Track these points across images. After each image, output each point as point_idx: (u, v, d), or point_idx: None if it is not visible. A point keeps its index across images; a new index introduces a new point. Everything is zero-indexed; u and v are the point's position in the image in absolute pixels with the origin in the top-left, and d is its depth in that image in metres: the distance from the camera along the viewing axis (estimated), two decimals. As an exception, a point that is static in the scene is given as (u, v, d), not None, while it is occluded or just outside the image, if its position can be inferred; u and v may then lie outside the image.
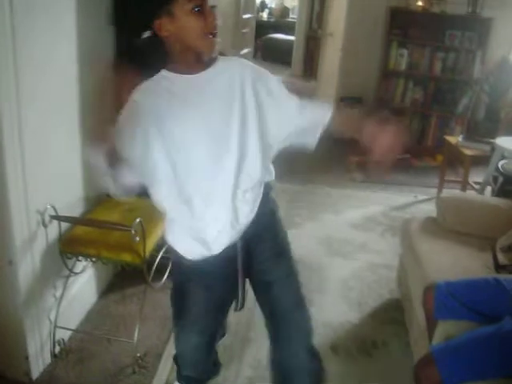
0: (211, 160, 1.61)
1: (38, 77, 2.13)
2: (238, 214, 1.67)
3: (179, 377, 2.14)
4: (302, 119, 1.69)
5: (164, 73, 1.61)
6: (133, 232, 2.20)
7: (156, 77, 1.61)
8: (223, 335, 2.49)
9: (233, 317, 2.85)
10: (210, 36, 1.55)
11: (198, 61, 1.61)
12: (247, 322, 2.88)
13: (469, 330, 1.96)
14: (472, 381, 1.75)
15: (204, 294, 1.83)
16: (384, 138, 1.50)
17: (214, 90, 1.60)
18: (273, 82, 1.67)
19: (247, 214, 1.70)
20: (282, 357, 1.90)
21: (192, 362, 2.04)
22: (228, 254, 1.72)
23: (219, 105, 1.60)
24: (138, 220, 2.24)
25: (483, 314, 2.03)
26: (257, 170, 1.68)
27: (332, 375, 2.52)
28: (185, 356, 2.03)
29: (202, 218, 1.66)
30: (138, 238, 2.25)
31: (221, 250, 1.70)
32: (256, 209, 1.72)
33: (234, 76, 1.63)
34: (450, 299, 2.11)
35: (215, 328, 2.00)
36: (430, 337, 2.20)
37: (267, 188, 1.79)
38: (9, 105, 1.93)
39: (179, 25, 1.52)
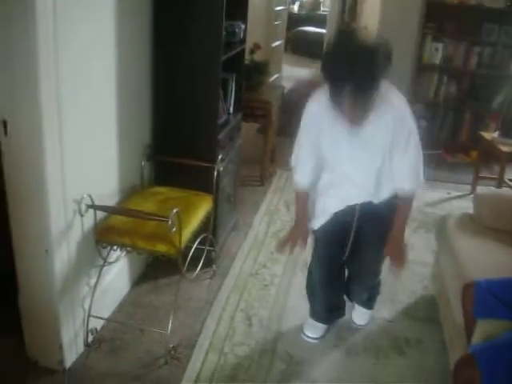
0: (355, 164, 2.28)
1: (77, 69, 2.12)
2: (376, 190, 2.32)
3: (312, 313, 2.77)
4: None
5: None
6: (169, 223, 2.19)
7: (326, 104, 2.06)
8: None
9: (264, 311, 2.87)
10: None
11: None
12: (279, 315, 2.86)
13: (510, 330, 1.91)
14: (514, 383, 1.70)
15: (331, 236, 2.51)
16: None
17: (367, 142, 2.16)
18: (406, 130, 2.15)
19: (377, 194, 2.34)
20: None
21: (322, 298, 2.71)
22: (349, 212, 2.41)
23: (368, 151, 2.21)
24: (174, 210, 2.22)
25: (526, 314, 1.98)
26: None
27: (363, 372, 2.51)
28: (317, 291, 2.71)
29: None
30: (174, 229, 2.23)
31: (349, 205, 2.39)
32: (383, 197, 2.35)
33: (387, 130, 2.11)
34: (490, 298, 2.05)
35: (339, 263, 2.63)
36: (469, 336, 2.15)
37: (394, 196, 2.36)
38: (49, 97, 1.92)
39: None
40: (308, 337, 2.71)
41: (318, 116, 2.21)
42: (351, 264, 2.66)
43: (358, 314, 2.86)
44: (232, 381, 2.40)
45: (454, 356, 2.46)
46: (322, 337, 2.73)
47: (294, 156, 2.41)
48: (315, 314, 2.75)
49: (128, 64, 2.56)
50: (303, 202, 2.49)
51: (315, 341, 2.71)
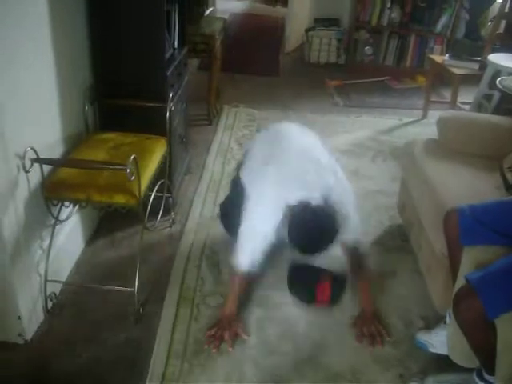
0: None
1: (7, 12, 1.82)
2: None
3: None
4: None
5: None
6: (128, 171, 1.96)
7: None
8: None
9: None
10: None
11: None
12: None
13: (501, 255, 1.83)
14: (516, 309, 1.63)
15: None
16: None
17: None
18: None
19: None
20: None
21: None
22: None
23: None
24: (132, 157, 1.99)
25: (514, 237, 1.90)
26: None
27: (346, 309, 2.41)
28: None
29: None
30: (133, 177, 2.01)
31: None
32: None
33: None
34: (476, 223, 1.96)
35: None
36: (453, 264, 2.07)
37: None
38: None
39: None
40: None
41: None
42: None
43: None
44: (209, 333, 2.26)
45: (433, 284, 2.40)
46: None
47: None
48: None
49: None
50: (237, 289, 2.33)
51: None
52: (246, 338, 2.23)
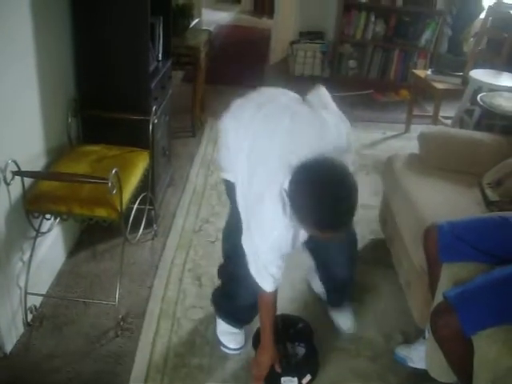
0: None
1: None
2: None
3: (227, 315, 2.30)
4: None
5: None
6: (109, 184, 1.96)
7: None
8: None
9: (213, 269, 2.72)
10: None
11: None
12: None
13: (479, 272, 1.85)
14: (493, 326, 1.65)
15: None
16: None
17: None
18: None
19: None
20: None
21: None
22: None
23: None
24: (114, 170, 1.99)
25: (493, 254, 1.92)
26: None
27: (325, 323, 2.42)
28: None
29: None
30: (114, 191, 2.01)
31: None
32: None
33: None
34: (455, 240, 1.98)
35: None
36: (432, 280, 2.09)
37: None
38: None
39: None
40: (233, 349, 2.26)
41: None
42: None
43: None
44: (191, 347, 2.25)
45: (413, 299, 2.42)
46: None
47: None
48: (234, 315, 2.28)
49: (44, 9, 2.24)
50: (273, 314, 1.98)
51: (240, 351, 2.27)
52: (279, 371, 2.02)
